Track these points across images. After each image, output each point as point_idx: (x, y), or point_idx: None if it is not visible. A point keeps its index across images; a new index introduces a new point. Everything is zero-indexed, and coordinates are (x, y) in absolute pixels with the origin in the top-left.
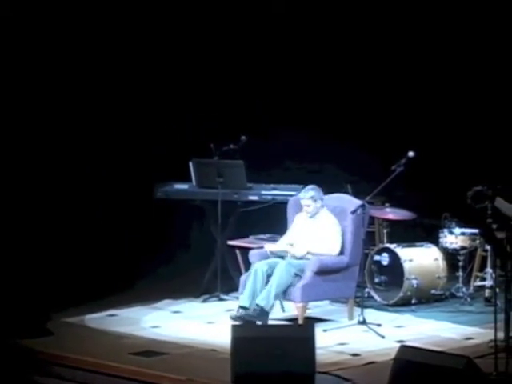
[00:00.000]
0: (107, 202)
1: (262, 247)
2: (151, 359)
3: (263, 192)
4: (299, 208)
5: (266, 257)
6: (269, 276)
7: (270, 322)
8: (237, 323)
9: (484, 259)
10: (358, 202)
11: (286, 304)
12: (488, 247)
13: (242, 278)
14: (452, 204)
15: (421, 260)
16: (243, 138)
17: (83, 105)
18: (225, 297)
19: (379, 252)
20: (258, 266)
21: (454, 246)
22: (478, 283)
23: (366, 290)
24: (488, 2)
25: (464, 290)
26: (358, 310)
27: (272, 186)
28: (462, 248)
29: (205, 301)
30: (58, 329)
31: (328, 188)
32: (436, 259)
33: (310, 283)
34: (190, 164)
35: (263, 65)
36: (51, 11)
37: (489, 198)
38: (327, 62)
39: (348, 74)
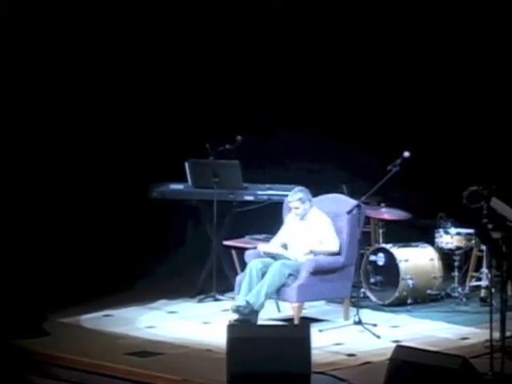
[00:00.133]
0: (102, 202)
1: (256, 247)
2: (147, 359)
3: (259, 192)
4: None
5: (260, 257)
6: (263, 274)
7: (266, 322)
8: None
9: (480, 259)
10: (354, 202)
11: (282, 304)
12: (483, 247)
13: (238, 278)
14: (448, 204)
15: (416, 260)
16: (239, 138)
17: (82, 105)
18: (220, 297)
19: (375, 252)
20: (253, 265)
21: (450, 246)
22: (474, 283)
23: (362, 290)
24: (482, 2)
25: (459, 290)
26: (353, 310)
27: (267, 186)
28: (458, 248)
29: (200, 301)
30: (54, 329)
31: (326, 188)
32: (432, 259)
33: (306, 283)
34: (186, 164)
35: (261, 65)
36: (51, 11)
37: (484, 198)
38: (325, 62)
39: (346, 75)
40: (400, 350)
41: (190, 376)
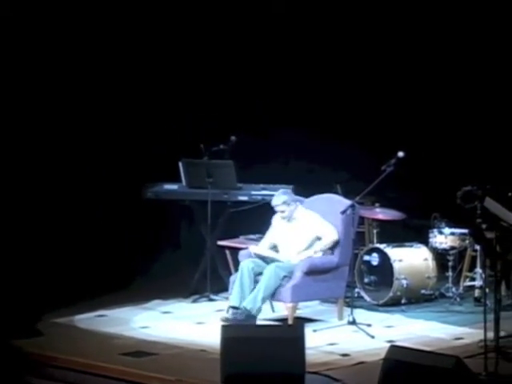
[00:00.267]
0: (96, 202)
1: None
2: (141, 359)
3: (253, 192)
4: None
5: (253, 257)
6: (255, 274)
7: (260, 322)
8: (227, 324)
9: (474, 259)
10: (348, 202)
11: (276, 304)
12: (477, 247)
13: (232, 278)
14: (442, 204)
15: (410, 260)
16: (233, 138)
17: (80, 106)
18: (214, 297)
19: (369, 252)
20: (244, 265)
21: (444, 246)
22: (468, 283)
23: (356, 290)
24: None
25: (454, 290)
26: (347, 310)
27: (262, 186)
28: (452, 248)
29: (194, 301)
30: (48, 329)
31: (320, 188)
32: (426, 259)
33: (300, 283)
34: (180, 164)
35: (258, 65)
36: (51, 11)
37: (478, 198)
38: (321, 63)
39: (341, 75)
40: (394, 349)
41: (184, 376)
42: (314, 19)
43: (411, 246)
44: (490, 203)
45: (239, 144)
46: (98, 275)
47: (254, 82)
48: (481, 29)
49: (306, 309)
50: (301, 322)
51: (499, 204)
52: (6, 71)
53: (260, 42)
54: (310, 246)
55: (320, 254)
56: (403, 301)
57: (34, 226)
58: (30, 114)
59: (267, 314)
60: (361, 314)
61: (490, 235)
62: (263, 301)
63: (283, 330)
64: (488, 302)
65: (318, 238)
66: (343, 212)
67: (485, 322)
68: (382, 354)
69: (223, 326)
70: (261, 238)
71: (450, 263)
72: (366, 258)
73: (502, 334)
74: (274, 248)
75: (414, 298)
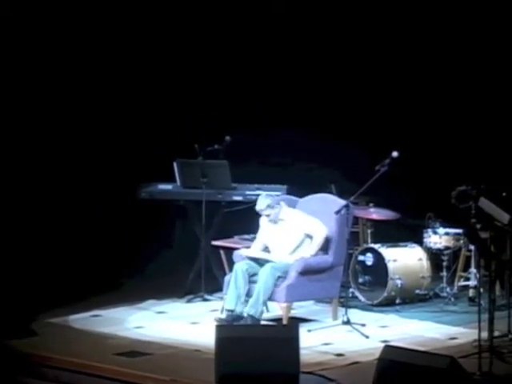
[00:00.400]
0: (91, 203)
1: (247, 247)
2: (135, 359)
3: (247, 192)
4: None
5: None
6: (250, 275)
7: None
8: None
9: (468, 259)
10: (342, 202)
11: (271, 304)
12: (472, 247)
13: (226, 278)
14: (436, 204)
15: (405, 260)
16: (227, 138)
17: (75, 106)
18: (209, 297)
19: (363, 252)
20: (238, 267)
21: (438, 245)
22: (462, 283)
23: (351, 290)
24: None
25: (448, 289)
26: (342, 310)
27: (256, 186)
28: (446, 248)
29: (189, 301)
30: (43, 329)
31: (315, 187)
32: (420, 259)
33: (295, 283)
34: (174, 164)
35: (255, 64)
36: (51, 11)
37: (473, 198)
38: (319, 63)
39: (337, 76)
40: (388, 349)
41: (179, 376)
42: (314, 19)
43: (405, 246)
44: (485, 203)
45: (235, 144)
46: (92, 275)
47: (251, 81)
48: (474, 28)
49: (300, 309)
50: (295, 321)
51: (493, 204)
52: (5, 71)
53: (259, 42)
54: (301, 244)
55: (314, 253)
56: (398, 301)
57: (28, 227)
58: (26, 114)
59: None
60: (355, 314)
61: (484, 235)
62: (264, 303)
63: (278, 329)
64: (482, 302)
65: (308, 236)
66: (337, 212)
67: (479, 321)
68: (377, 354)
69: (217, 326)
70: (255, 238)
71: (445, 263)
72: (361, 258)
73: (496, 333)
74: (266, 249)
75: (408, 298)
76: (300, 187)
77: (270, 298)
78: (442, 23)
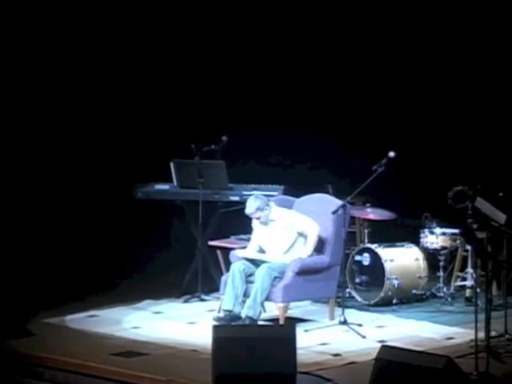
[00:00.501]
0: (87, 203)
1: (244, 247)
2: (132, 360)
3: (244, 192)
4: None
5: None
6: (247, 275)
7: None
8: (219, 324)
9: (465, 259)
10: (339, 202)
11: (267, 304)
12: (469, 247)
13: (223, 278)
14: (433, 204)
15: (402, 260)
16: (224, 138)
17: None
18: (206, 297)
19: (360, 252)
20: (235, 267)
21: (435, 245)
22: (459, 283)
23: (347, 290)
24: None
25: (445, 289)
26: (339, 310)
27: (253, 186)
28: (443, 248)
29: (186, 301)
30: (39, 329)
31: (312, 187)
32: (417, 259)
33: (291, 283)
34: (171, 164)
35: (252, 64)
36: (51, 11)
37: (469, 198)
38: (316, 63)
39: (333, 76)
40: (385, 349)
41: (176, 376)
42: (314, 20)
43: (402, 246)
44: (481, 203)
45: (232, 144)
46: (89, 275)
47: (249, 81)
48: (470, 29)
49: (297, 309)
50: (292, 322)
51: (490, 204)
52: (4, 71)
53: (256, 40)
54: (294, 243)
55: (310, 253)
56: (394, 301)
57: (25, 227)
58: (24, 115)
59: None
60: (352, 314)
61: (481, 235)
62: (262, 304)
63: (274, 330)
64: (479, 302)
65: (301, 235)
66: (334, 212)
67: (476, 321)
68: (374, 354)
69: (214, 326)
70: (251, 238)
71: (441, 263)
72: (358, 258)
73: (492, 333)
74: (261, 250)
75: (405, 298)
76: (297, 187)
77: (267, 299)
78: (437, 24)
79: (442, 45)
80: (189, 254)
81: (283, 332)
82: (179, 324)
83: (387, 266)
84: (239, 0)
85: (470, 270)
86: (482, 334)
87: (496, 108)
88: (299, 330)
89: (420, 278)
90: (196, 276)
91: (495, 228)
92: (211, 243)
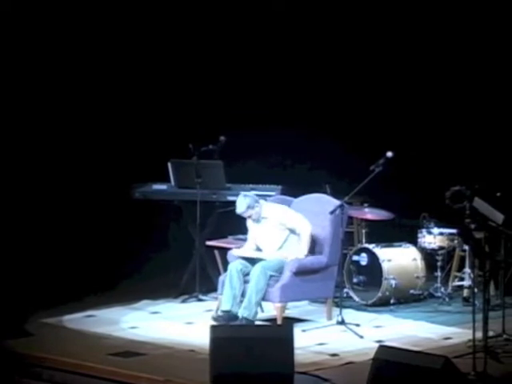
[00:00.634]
0: (85, 203)
1: (241, 247)
2: (130, 360)
3: (242, 192)
4: None
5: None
6: (244, 274)
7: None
8: (218, 324)
9: (462, 259)
10: (337, 202)
11: (265, 304)
12: (466, 247)
13: (221, 278)
14: (430, 204)
15: (399, 260)
16: (222, 138)
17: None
18: (203, 297)
19: (358, 252)
20: (232, 267)
21: (433, 246)
22: (457, 283)
23: (345, 290)
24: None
25: (442, 289)
26: (336, 310)
27: (250, 186)
28: (441, 248)
29: (183, 301)
30: (37, 329)
31: (310, 187)
32: (414, 259)
33: (289, 283)
34: (169, 164)
35: (250, 64)
36: (50, 11)
37: (467, 198)
38: (315, 64)
39: (331, 76)
40: (383, 349)
41: (173, 376)
42: (314, 19)
43: (400, 246)
44: (479, 203)
45: (231, 144)
46: (87, 275)
47: (248, 82)
48: (468, 29)
49: (294, 309)
50: (290, 322)
51: (488, 204)
52: (3, 71)
53: (256, 40)
54: (287, 239)
55: (306, 252)
56: (392, 301)
57: (22, 227)
58: (23, 115)
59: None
60: (350, 314)
61: (478, 235)
62: (257, 304)
63: (272, 330)
64: (477, 302)
65: (292, 232)
66: (332, 212)
67: (473, 321)
68: (371, 354)
69: (212, 326)
70: None
71: (439, 263)
72: (355, 258)
73: (490, 333)
74: (258, 248)
75: (402, 298)
76: (295, 187)
77: (264, 298)
78: (436, 24)
79: (442, 45)
80: (186, 254)
81: (281, 332)
82: (177, 324)
83: (385, 266)
84: (239, 0)
85: (467, 270)
86: (479, 334)
87: (494, 108)
88: (297, 330)
89: (418, 278)
90: (194, 276)
91: (493, 228)
92: (209, 243)
